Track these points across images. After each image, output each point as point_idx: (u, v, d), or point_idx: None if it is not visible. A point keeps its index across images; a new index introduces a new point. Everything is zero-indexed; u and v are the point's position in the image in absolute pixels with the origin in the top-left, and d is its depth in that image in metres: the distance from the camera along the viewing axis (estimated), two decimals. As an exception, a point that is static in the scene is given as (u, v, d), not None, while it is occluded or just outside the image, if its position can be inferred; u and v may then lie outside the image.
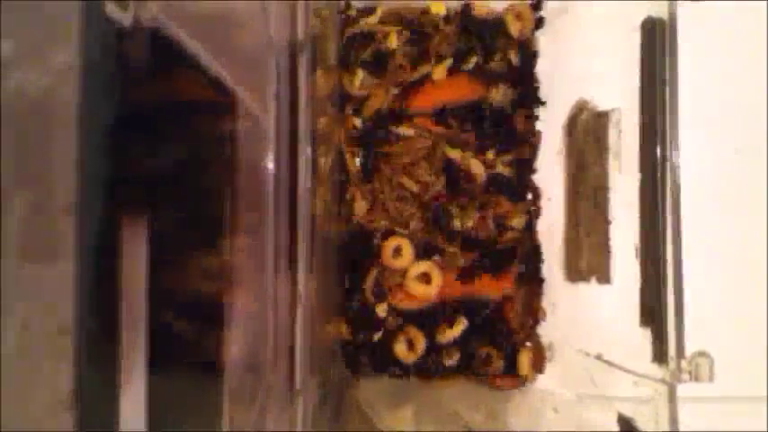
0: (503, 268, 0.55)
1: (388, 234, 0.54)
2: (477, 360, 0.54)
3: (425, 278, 0.54)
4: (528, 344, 0.54)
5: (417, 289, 0.54)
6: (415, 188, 0.54)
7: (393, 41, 0.55)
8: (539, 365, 0.54)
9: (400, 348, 0.53)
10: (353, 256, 0.55)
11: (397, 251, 0.54)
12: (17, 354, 0.14)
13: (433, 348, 0.54)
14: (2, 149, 0.14)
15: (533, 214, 0.56)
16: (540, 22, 0.55)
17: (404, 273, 0.54)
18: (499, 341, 0.54)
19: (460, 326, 0.54)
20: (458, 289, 0.55)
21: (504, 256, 0.55)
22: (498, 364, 0.54)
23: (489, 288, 0.55)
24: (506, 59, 0.55)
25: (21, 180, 0.15)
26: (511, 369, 0.54)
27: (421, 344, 0.53)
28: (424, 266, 0.54)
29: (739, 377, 0.42)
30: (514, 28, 0.55)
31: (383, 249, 0.54)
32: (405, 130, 0.55)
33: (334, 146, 0.53)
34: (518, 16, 0.55)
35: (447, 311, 0.54)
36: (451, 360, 0.54)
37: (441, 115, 0.55)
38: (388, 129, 0.55)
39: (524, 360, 0.54)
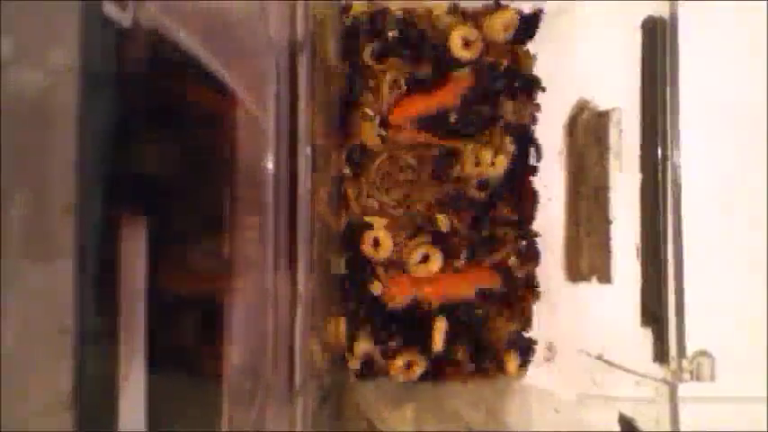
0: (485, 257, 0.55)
1: (368, 225, 0.54)
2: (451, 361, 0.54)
3: (425, 259, 0.54)
4: (512, 346, 0.55)
5: (421, 270, 0.54)
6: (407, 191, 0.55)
7: (389, 37, 0.55)
8: (524, 364, 0.55)
9: (400, 368, 0.54)
10: (350, 248, 0.55)
11: (376, 242, 0.54)
12: (17, 354, 0.14)
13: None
14: (2, 149, 0.14)
15: (528, 220, 0.56)
16: (531, 24, 0.55)
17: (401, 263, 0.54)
18: (478, 342, 0.55)
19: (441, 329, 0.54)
20: (442, 287, 0.55)
21: (489, 247, 0.55)
22: (465, 364, 0.54)
23: (468, 282, 0.55)
24: (499, 64, 0.55)
25: (21, 180, 0.15)
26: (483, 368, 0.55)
27: (421, 365, 0.54)
28: (422, 249, 0.54)
29: (740, 377, 0.42)
30: (498, 33, 0.55)
31: (362, 240, 0.54)
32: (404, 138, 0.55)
33: (333, 149, 0.53)
34: (503, 24, 0.55)
35: (433, 312, 0.55)
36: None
37: (437, 120, 0.55)
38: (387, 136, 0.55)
39: (511, 360, 0.54)
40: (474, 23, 0.55)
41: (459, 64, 0.55)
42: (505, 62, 0.55)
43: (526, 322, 0.56)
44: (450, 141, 0.55)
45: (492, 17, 0.54)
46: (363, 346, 0.54)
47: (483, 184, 0.55)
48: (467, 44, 0.54)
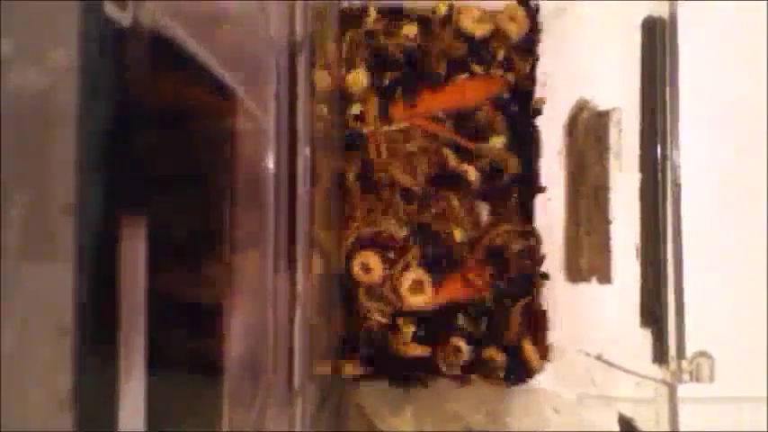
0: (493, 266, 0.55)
1: (357, 249, 0.54)
2: (481, 363, 0.54)
3: (418, 286, 0.54)
4: (528, 339, 0.55)
5: (413, 299, 0.54)
6: (410, 184, 0.55)
7: (394, 41, 0.55)
8: (543, 354, 0.54)
9: (403, 345, 0.53)
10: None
11: (365, 266, 0.54)
12: (17, 354, 0.14)
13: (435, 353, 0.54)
14: (2, 149, 0.14)
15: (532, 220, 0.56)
16: (535, 24, 0.55)
17: (396, 282, 0.54)
18: (500, 340, 0.55)
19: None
20: (452, 291, 0.55)
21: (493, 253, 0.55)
22: (501, 361, 0.54)
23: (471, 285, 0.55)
24: (505, 63, 0.56)
25: (20, 180, 0.15)
26: (515, 364, 0.54)
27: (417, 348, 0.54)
28: (413, 275, 0.54)
29: (740, 377, 0.42)
30: (510, 30, 0.55)
31: (351, 265, 0.53)
32: (403, 123, 0.55)
33: (333, 145, 0.53)
34: (512, 18, 0.55)
35: (448, 315, 0.54)
36: (456, 363, 0.54)
37: (440, 118, 0.55)
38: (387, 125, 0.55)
39: (529, 349, 0.54)
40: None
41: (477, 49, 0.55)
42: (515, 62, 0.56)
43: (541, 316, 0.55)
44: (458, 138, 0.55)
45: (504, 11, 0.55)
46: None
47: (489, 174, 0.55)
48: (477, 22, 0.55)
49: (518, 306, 0.55)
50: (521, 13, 0.55)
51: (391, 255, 0.55)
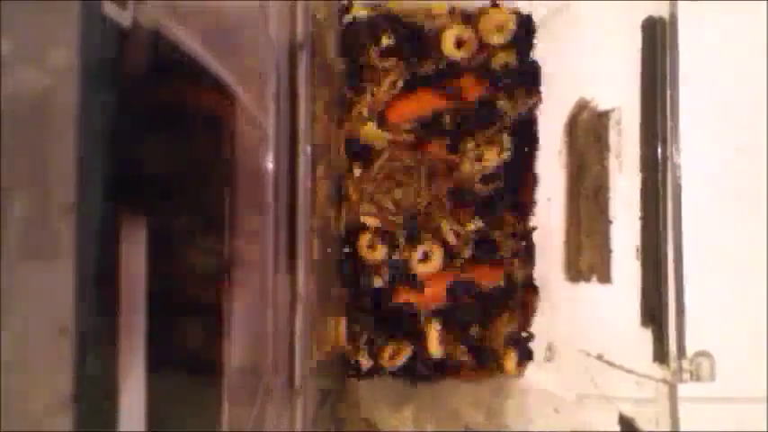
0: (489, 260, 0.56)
1: (363, 228, 0.55)
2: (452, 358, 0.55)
3: (426, 256, 0.55)
4: (514, 342, 0.55)
5: (424, 268, 0.54)
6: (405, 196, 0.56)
7: (387, 41, 0.55)
8: (523, 362, 0.55)
9: (386, 355, 0.54)
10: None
11: (371, 245, 0.55)
12: (17, 354, 0.14)
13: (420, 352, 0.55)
14: (2, 149, 0.14)
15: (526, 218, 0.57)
16: (522, 26, 0.55)
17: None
18: (478, 342, 0.55)
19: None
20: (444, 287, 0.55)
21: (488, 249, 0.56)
22: (467, 363, 0.55)
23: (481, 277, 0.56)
24: (503, 63, 0.56)
25: (21, 180, 0.15)
26: (484, 363, 0.55)
27: (407, 351, 0.54)
28: (422, 247, 0.55)
29: (740, 377, 0.42)
30: (495, 38, 0.55)
31: (359, 243, 0.55)
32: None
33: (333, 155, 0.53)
34: (497, 26, 0.55)
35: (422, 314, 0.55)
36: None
37: (436, 121, 0.56)
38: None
39: (510, 358, 0.54)
40: (471, 24, 0.55)
41: (456, 64, 0.55)
42: (502, 61, 0.56)
43: (526, 322, 0.56)
44: (447, 141, 0.56)
45: (485, 18, 0.55)
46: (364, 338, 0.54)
47: (487, 178, 0.56)
48: (459, 44, 0.55)
49: (504, 316, 0.55)
50: (504, 16, 0.55)
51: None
